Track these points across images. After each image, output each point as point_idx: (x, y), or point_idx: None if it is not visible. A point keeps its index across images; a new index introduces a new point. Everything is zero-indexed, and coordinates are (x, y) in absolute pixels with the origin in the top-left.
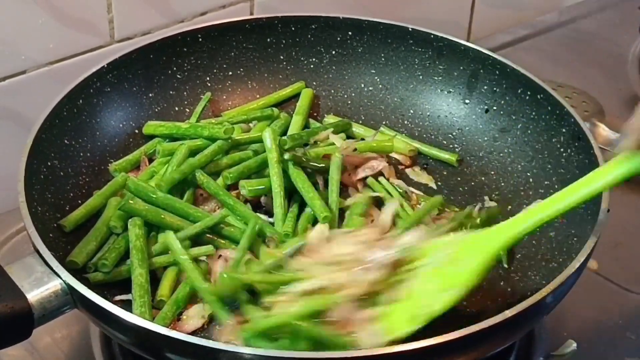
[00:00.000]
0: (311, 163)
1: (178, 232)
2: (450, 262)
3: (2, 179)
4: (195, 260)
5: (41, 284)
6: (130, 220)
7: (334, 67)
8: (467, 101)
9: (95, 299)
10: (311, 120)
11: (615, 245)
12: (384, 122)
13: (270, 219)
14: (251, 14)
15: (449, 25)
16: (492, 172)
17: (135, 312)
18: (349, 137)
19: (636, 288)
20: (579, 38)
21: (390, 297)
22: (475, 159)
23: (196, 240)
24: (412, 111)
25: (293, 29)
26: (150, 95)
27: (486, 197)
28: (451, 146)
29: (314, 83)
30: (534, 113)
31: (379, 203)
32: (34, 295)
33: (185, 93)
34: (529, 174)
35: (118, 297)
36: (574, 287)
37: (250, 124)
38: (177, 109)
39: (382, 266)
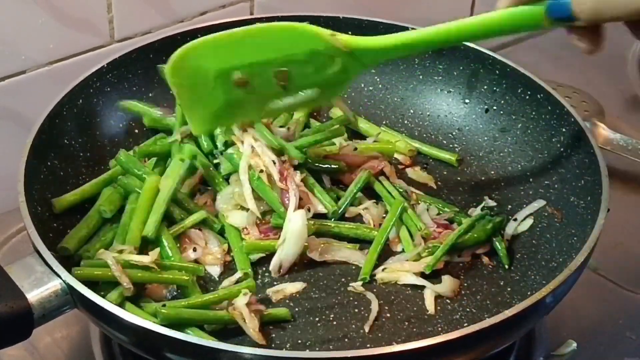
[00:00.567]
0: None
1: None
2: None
3: (2, 179)
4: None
5: (41, 284)
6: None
7: None
8: (467, 101)
9: (95, 299)
10: (311, 120)
11: (615, 245)
12: (384, 122)
13: None
14: (251, 14)
15: None
16: (492, 172)
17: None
18: (354, 132)
19: (636, 288)
20: None
21: None
22: (475, 158)
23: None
24: (412, 111)
25: None
26: (150, 95)
27: (486, 197)
28: (451, 146)
29: None
30: (534, 113)
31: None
32: (34, 295)
33: None
34: (529, 174)
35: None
36: (574, 287)
37: None
38: (177, 108)
39: None
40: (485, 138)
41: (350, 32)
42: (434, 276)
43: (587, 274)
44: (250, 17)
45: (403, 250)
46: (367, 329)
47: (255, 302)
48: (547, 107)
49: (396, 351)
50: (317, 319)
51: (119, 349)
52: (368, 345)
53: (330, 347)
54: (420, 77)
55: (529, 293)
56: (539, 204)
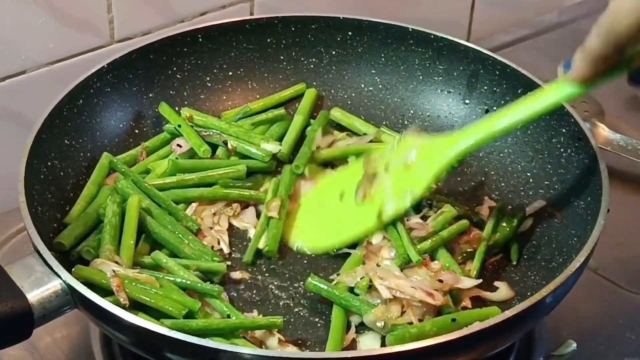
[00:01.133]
0: None
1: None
2: (405, 168)
3: (2, 179)
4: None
5: (41, 284)
6: (109, 197)
7: (334, 67)
8: (467, 101)
9: (95, 299)
10: (312, 121)
11: (615, 245)
12: (384, 122)
13: None
14: (251, 14)
15: (449, 25)
16: (492, 172)
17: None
18: (354, 133)
19: (636, 288)
20: (579, 38)
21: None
22: (475, 159)
23: None
24: (412, 111)
25: (293, 29)
26: (150, 95)
27: (486, 197)
28: None
29: (314, 83)
30: None
31: None
32: (34, 295)
33: (185, 93)
34: (529, 174)
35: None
36: (574, 287)
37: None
38: (177, 109)
39: None
40: None
41: (350, 33)
42: None
43: (587, 274)
44: (250, 17)
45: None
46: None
47: (285, 340)
48: None
49: (396, 351)
50: (317, 319)
51: (119, 349)
52: None
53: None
54: (421, 77)
55: (529, 293)
56: (539, 204)
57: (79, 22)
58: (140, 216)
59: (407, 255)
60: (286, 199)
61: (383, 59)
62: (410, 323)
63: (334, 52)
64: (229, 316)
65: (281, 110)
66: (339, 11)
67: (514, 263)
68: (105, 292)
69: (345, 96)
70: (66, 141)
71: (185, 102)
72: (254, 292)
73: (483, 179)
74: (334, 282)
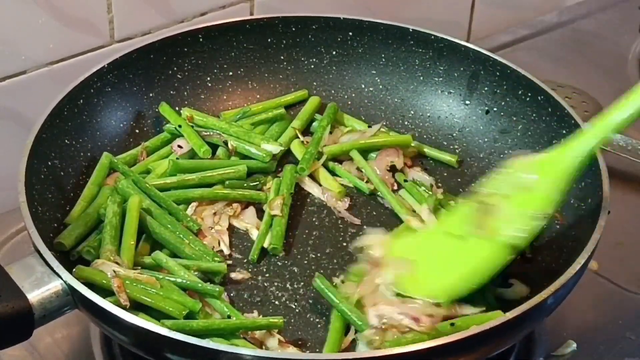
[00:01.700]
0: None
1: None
2: (522, 189)
3: (2, 179)
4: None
5: (42, 284)
6: (110, 197)
7: (334, 68)
8: (467, 102)
9: (95, 299)
10: (318, 116)
11: (615, 246)
12: (384, 123)
13: None
14: (251, 14)
15: (449, 26)
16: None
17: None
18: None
19: (636, 288)
20: (579, 38)
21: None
22: (475, 160)
23: None
24: (412, 112)
25: (293, 29)
26: (151, 95)
27: None
28: (451, 147)
29: (314, 83)
30: (534, 114)
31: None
32: (34, 295)
33: (185, 93)
34: None
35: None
36: (574, 288)
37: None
38: (177, 109)
39: None
40: (486, 139)
41: (350, 33)
42: None
43: (588, 274)
44: (250, 17)
45: None
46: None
47: (285, 341)
48: (548, 109)
49: (398, 353)
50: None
51: (119, 349)
52: None
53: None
54: (421, 78)
55: (529, 295)
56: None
57: (79, 22)
58: (141, 216)
59: None
60: (288, 197)
61: (383, 60)
62: None
63: (334, 53)
64: (229, 317)
65: (281, 110)
66: (339, 11)
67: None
68: (106, 292)
69: (346, 96)
70: (66, 141)
71: (186, 102)
72: (254, 292)
73: (483, 180)
74: (334, 284)
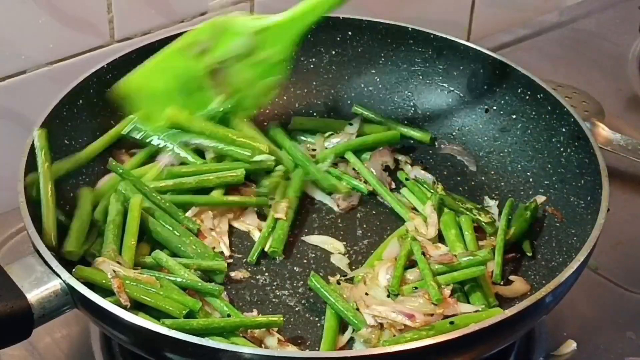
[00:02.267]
0: None
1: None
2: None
3: (2, 179)
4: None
5: (41, 284)
6: (113, 195)
7: (334, 67)
8: (467, 101)
9: (95, 299)
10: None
11: (615, 245)
12: (361, 114)
13: None
14: (251, 13)
15: (449, 25)
16: (492, 172)
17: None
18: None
19: (636, 288)
20: (579, 38)
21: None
22: (475, 158)
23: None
24: (412, 111)
25: None
26: None
27: (486, 197)
28: (451, 146)
29: (314, 83)
30: (534, 113)
31: None
32: (34, 295)
33: None
34: (528, 174)
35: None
36: (573, 287)
37: None
38: None
39: None
40: (485, 138)
41: (350, 32)
42: None
43: (587, 273)
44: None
45: None
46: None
47: (284, 340)
48: (547, 107)
49: (396, 351)
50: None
51: (119, 349)
52: None
53: None
54: (421, 77)
55: (530, 293)
56: (539, 199)
57: (79, 22)
58: (142, 217)
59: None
60: (294, 200)
61: (383, 59)
62: None
63: (333, 52)
64: (228, 315)
65: None
66: (338, 11)
67: (530, 255)
68: (106, 292)
69: (346, 96)
70: (66, 141)
71: None
72: (254, 292)
73: (483, 178)
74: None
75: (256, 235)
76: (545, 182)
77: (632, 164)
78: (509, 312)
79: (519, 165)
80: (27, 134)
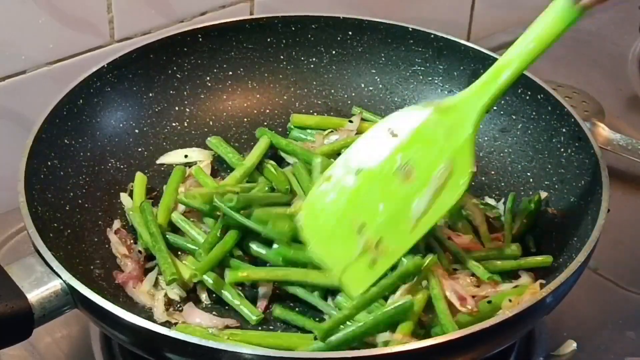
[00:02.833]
0: None
1: None
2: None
3: (2, 179)
4: None
5: (41, 284)
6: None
7: (334, 67)
8: None
9: (95, 299)
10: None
11: (615, 245)
12: (360, 111)
13: None
14: (251, 14)
15: (449, 25)
16: (492, 172)
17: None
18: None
19: (636, 288)
20: (579, 38)
21: None
22: (475, 158)
23: None
24: None
25: (293, 28)
26: (150, 95)
27: (486, 197)
28: None
29: (314, 83)
30: (534, 113)
31: None
32: (34, 295)
33: (185, 93)
34: (529, 174)
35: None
36: (574, 287)
37: None
38: (177, 108)
39: None
40: (486, 138)
41: (350, 32)
42: None
43: (587, 274)
44: (250, 17)
45: None
46: None
47: None
48: (547, 108)
49: (396, 352)
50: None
51: (119, 349)
52: None
53: None
54: (421, 77)
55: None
56: (542, 194)
57: (79, 22)
58: None
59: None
60: None
61: (383, 59)
62: None
63: (334, 52)
64: None
65: None
66: (339, 11)
67: (534, 251)
68: (106, 292)
69: (346, 96)
70: (66, 141)
71: (186, 102)
72: None
73: (483, 178)
74: None
75: None
76: (546, 182)
77: (632, 164)
78: (510, 312)
79: (519, 166)
80: (27, 134)
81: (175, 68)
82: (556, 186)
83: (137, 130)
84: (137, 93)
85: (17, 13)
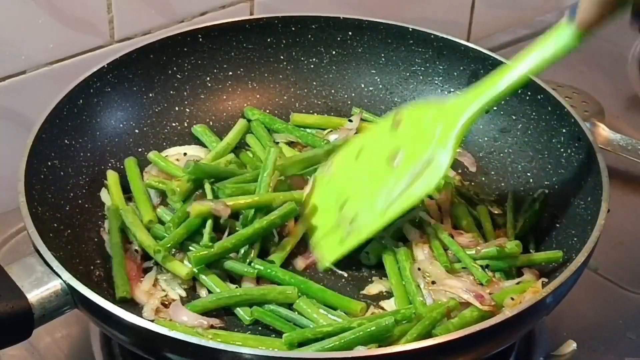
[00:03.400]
0: None
1: None
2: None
3: (2, 179)
4: None
5: (41, 284)
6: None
7: (334, 67)
8: None
9: (95, 299)
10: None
11: (615, 245)
12: (361, 110)
13: None
14: (251, 14)
15: (449, 25)
16: (493, 172)
17: None
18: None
19: (636, 288)
20: None
21: None
22: (475, 159)
23: None
24: None
25: (293, 29)
26: (150, 95)
27: (486, 197)
28: None
29: (314, 83)
30: (534, 113)
31: None
32: (34, 295)
33: (185, 93)
34: (529, 174)
35: None
36: (574, 287)
37: None
38: (177, 108)
39: None
40: (486, 138)
41: (350, 33)
42: None
43: (587, 274)
44: (250, 17)
45: None
46: None
47: None
48: (547, 108)
49: (396, 351)
50: None
51: (119, 349)
52: None
53: None
54: (421, 77)
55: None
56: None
57: (79, 22)
58: None
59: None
60: None
61: (383, 59)
62: None
63: (334, 52)
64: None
65: None
66: (339, 11)
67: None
68: (106, 292)
69: (346, 96)
70: (66, 141)
71: (186, 102)
72: None
73: (483, 179)
74: None
75: None
76: (545, 183)
77: (632, 164)
78: (510, 312)
79: (519, 166)
80: (27, 134)
81: (175, 68)
82: (556, 186)
83: (137, 130)
84: (137, 93)
85: (17, 13)
